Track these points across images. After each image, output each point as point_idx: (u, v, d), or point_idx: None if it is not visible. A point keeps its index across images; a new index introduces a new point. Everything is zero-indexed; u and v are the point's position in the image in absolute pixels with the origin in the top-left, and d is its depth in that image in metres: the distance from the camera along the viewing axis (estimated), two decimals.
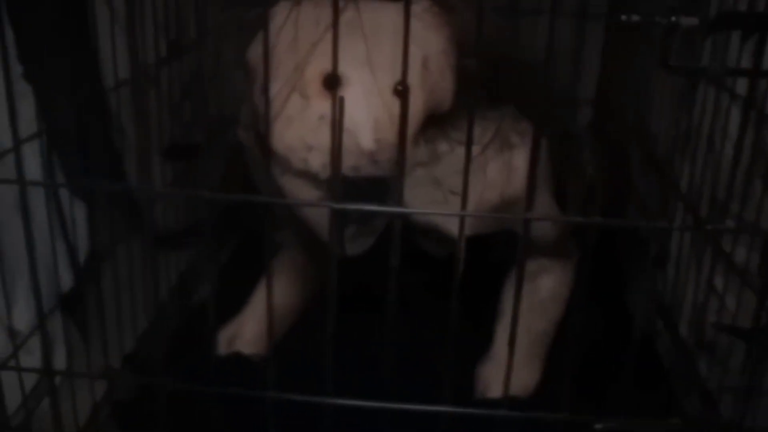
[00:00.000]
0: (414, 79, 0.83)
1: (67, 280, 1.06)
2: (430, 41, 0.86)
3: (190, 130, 1.24)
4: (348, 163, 0.79)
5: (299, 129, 0.81)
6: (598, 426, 0.75)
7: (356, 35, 0.80)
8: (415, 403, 0.74)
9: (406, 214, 0.74)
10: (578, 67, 1.23)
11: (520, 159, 0.94)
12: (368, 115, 0.80)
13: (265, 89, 0.67)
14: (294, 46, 0.82)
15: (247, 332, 1.11)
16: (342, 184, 0.69)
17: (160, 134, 1.17)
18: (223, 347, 1.10)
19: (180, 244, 1.34)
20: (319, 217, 0.83)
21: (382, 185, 0.82)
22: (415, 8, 0.84)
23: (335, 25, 0.62)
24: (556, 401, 0.75)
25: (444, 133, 0.90)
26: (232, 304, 1.16)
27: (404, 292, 0.71)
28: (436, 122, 0.89)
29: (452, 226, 0.92)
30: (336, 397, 0.73)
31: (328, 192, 0.81)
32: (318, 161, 0.80)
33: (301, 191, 0.84)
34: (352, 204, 0.68)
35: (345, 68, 0.78)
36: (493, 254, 1.05)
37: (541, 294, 1.08)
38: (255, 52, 0.86)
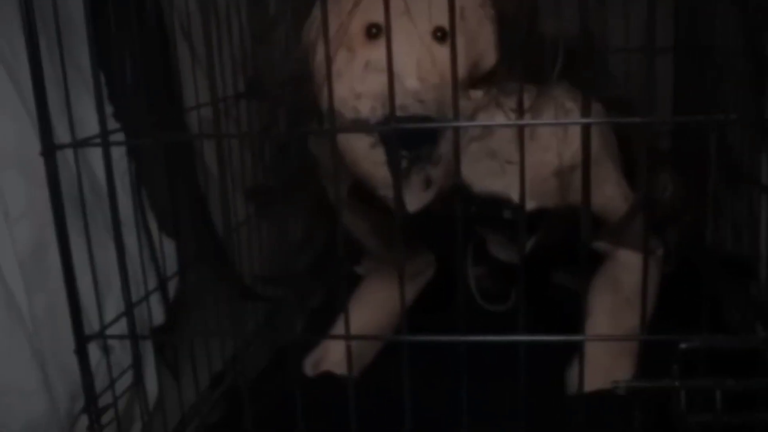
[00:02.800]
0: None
1: (158, 314, 1.09)
2: None
3: (272, 171, 1.28)
4: (395, 103, 0.81)
5: (347, 80, 0.85)
6: (683, 345, 0.72)
7: None
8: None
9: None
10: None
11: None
12: (410, 58, 0.83)
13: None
14: (338, 10, 0.86)
15: (333, 353, 1.11)
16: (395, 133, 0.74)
17: (243, 175, 1.22)
18: (309, 369, 1.11)
19: (265, 296, 1.37)
20: (377, 170, 0.85)
21: (433, 137, 0.84)
22: None
23: None
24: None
25: (496, 103, 0.92)
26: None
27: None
28: (486, 91, 0.91)
29: (513, 193, 0.93)
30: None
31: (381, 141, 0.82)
32: (367, 106, 0.83)
33: (361, 149, 0.85)
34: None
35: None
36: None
37: (626, 291, 1.05)
38: (307, 28, 0.91)
